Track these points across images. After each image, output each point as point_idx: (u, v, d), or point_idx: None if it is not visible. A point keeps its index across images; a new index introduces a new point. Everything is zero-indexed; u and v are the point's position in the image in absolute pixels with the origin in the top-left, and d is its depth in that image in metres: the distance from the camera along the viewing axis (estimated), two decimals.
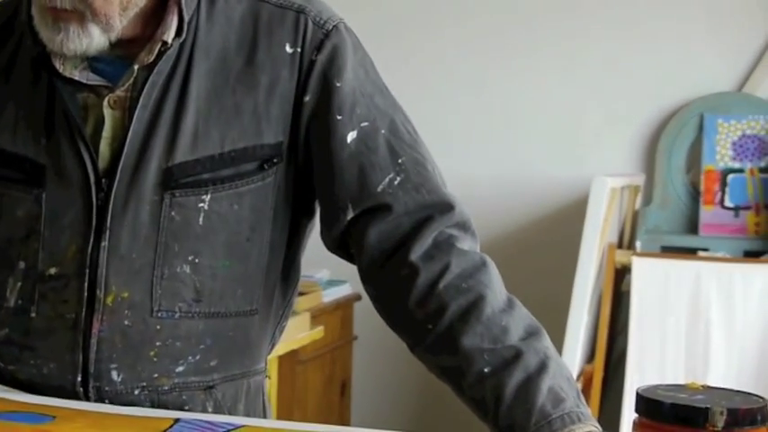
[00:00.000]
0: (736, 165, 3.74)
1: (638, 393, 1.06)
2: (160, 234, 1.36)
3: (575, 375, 2.77)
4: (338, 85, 1.39)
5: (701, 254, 3.62)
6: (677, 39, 3.90)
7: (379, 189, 1.37)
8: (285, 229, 1.45)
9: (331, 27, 1.41)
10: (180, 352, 1.39)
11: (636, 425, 1.06)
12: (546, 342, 1.29)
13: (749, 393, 1.08)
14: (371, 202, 1.37)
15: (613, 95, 3.97)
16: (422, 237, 1.34)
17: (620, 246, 3.67)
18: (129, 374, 1.38)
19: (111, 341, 1.37)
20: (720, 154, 3.75)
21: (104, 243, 1.36)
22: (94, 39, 1.33)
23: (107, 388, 1.38)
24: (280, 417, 3.15)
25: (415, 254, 1.33)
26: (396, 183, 1.37)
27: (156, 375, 1.39)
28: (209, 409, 1.41)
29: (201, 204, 1.37)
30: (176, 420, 1.27)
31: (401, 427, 3.71)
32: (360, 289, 1.42)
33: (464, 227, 1.38)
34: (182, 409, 1.38)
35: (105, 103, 1.38)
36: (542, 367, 1.24)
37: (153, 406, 1.38)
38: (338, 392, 3.99)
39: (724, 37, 3.86)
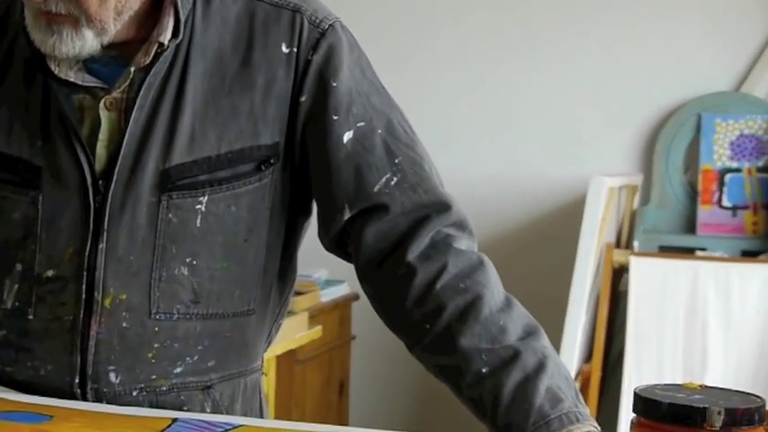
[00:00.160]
0: (734, 164, 3.74)
1: (635, 393, 1.06)
2: (158, 236, 1.36)
3: (572, 375, 2.77)
4: (334, 84, 1.38)
5: (699, 253, 3.62)
6: (675, 38, 3.90)
7: (376, 189, 1.37)
8: (282, 229, 1.44)
9: (327, 26, 1.41)
10: (178, 353, 1.39)
11: (634, 425, 1.06)
12: (544, 342, 1.29)
13: (747, 393, 1.08)
14: (368, 203, 1.37)
15: (611, 95, 3.97)
16: (419, 236, 1.34)
17: (617, 245, 3.67)
18: (128, 376, 1.38)
19: (110, 343, 1.37)
20: (718, 153, 3.76)
21: (102, 245, 1.36)
22: (87, 42, 1.32)
23: (105, 390, 1.37)
24: (278, 416, 3.15)
25: (413, 254, 1.33)
26: (392, 183, 1.37)
27: (154, 377, 1.38)
28: (208, 409, 1.41)
29: (199, 206, 1.37)
30: (174, 420, 1.27)
31: (399, 426, 3.71)
32: (358, 288, 1.42)
33: (461, 226, 1.38)
34: (180, 409, 1.38)
35: (101, 104, 1.37)
36: (540, 367, 1.24)
37: (151, 407, 1.38)
38: (336, 392, 3.99)
39: (721, 37, 3.86)
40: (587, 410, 1.25)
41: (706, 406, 1.01)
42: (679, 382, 1.11)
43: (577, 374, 3.33)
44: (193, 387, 1.41)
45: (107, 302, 1.36)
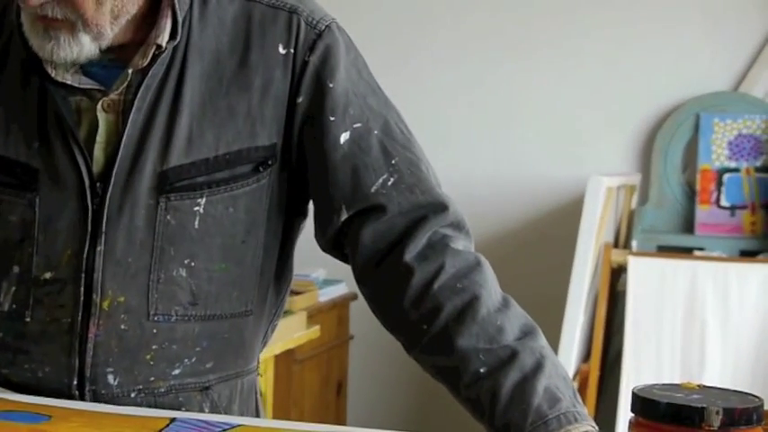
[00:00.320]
0: (732, 164, 3.74)
1: (634, 393, 1.06)
2: (156, 238, 1.36)
3: (570, 375, 2.77)
4: (331, 85, 1.38)
5: (697, 253, 3.62)
6: (673, 38, 3.90)
7: (373, 190, 1.37)
8: (279, 230, 1.44)
9: (323, 27, 1.40)
10: (176, 355, 1.39)
11: (632, 424, 1.06)
12: (542, 341, 1.29)
13: (745, 393, 1.08)
14: (365, 203, 1.37)
15: (609, 95, 3.98)
16: (416, 237, 1.34)
17: (616, 245, 3.67)
18: (126, 378, 1.38)
19: (108, 345, 1.37)
20: (716, 153, 3.76)
21: (100, 247, 1.36)
22: (85, 47, 1.32)
23: (103, 391, 1.37)
24: (276, 416, 3.16)
25: (410, 254, 1.33)
26: (389, 183, 1.37)
27: (152, 378, 1.38)
28: (206, 410, 1.41)
29: (197, 208, 1.37)
30: (172, 420, 1.27)
31: (397, 426, 3.71)
32: (356, 288, 1.42)
33: (458, 226, 1.38)
34: (178, 410, 1.38)
35: (99, 106, 1.37)
36: (538, 367, 1.24)
37: (150, 408, 1.37)
38: (334, 392, 3.99)
39: (720, 36, 3.86)
40: (585, 410, 1.25)
41: (704, 406, 1.01)
42: (677, 381, 1.11)
43: (575, 374, 3.33)
44: (192, 388, 1.41)
45: (105, 304, 1.36)
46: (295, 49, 1.39)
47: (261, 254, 1.42)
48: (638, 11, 3.93)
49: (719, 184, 3.74)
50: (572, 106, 4.01)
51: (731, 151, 3.75)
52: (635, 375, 3.32)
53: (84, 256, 1.36)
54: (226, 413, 1.42)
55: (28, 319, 1.39)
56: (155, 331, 1.37)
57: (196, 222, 1.37)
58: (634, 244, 3.72)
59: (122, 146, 1.35)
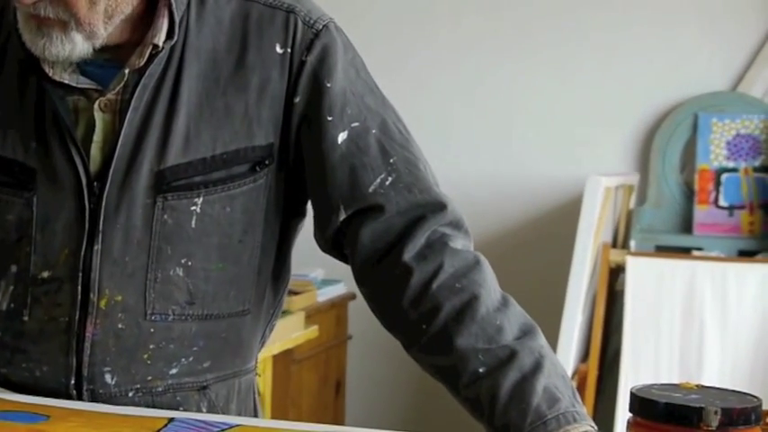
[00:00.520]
0: (731, 164, 3.74)
1: (632, 393, 1.06)
2: (153, 237, 1.36)
3: (569, 374, 2.77)
4: (328, 85, 1.38)
5: (696, 253, 3.62)
6: (671, 38, 3.90)
7: (371, 189, 1.37)
8: (276, 229, 1.44)
9: (321, 27, 1.40)
10: (173, 354, 1.39)
11: (630, 424, 1.06)
12: (541, 341, 1.29)
13: (743, 393, 1.08)
14: (363, 203, 1.37)
15: (608, 95, 3.98)
16: (414, 236, 1.34)
17: (614, 245, 3.67)
18: (123, 377, 1.38)
19: (105, 344, 1.37)
20: (714, 153, 3.76)
21: (97, 246, 1.36)
22: (77, 45, 1.32)
23: (101, 390, 1.37)
24: (274, 416, 3.16)
25: (409, 254, 1.33)
26: (387, 183, 1.37)
27: (149, 377, 1.38)
28: (204, 410, 1.41)
29: (194, 207, 1.37)
30: (171, 420, 1.27)
31: (396, 426, 3.71)
32: (354, 288, 1.42)
33: (457, 225, 1.38)
34: (176, 409, 1.38)
35: (96, 106, 1.37)
36: (537, 367, 1.24)
37: (147, 407, 1.37)
38: (333, 392, 3.99)
39: (718, 36, 3.86)
40: (584, 410, 1.25)
41: (702, 406, 1.01)
42: (676, 381, 1.12)
43: (574, 374, 3.33)
44: (189, 387, 1.40)
45: (102, 303, 1.36)
46: (292, 48, 1.39)
47: (258, 253, 1.42)
48: (637, 11, 3.93)
49: (718, 184, 3.74)
50: (570, 106, 4.01)
51: (729, 151, 3.75)
52: (633, 375, 3.32)
53: (82, 254, 1.36)
54: (223, 413, 1.42)
55: (26, 318, 1.39)
56: (152, 330, 1.37)
57: (193, 222, 1.37)
58: (632, 244, 3.72)
59: (119, 145, 1.35)
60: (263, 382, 3.01)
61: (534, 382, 1.23)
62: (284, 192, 1.43)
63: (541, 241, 3.99)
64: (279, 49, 1.39)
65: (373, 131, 1.39)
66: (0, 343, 1.41)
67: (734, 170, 3.74)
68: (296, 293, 3.43)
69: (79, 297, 1.36)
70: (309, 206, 1.47)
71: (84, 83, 1.37)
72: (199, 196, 1.37)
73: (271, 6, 1.40)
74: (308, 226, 1.49)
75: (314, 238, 1.43)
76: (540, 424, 1.21)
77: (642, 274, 3.38)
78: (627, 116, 3.96)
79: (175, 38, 1.36)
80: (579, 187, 3.46)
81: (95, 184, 1.36)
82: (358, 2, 4.12)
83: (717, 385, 1.13)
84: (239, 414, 1.46)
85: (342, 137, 1.38)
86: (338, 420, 3.99)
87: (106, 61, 1.37)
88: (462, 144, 4.10)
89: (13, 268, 1.40)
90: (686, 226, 3.80)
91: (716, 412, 1.01)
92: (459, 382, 1.27)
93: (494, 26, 4.07)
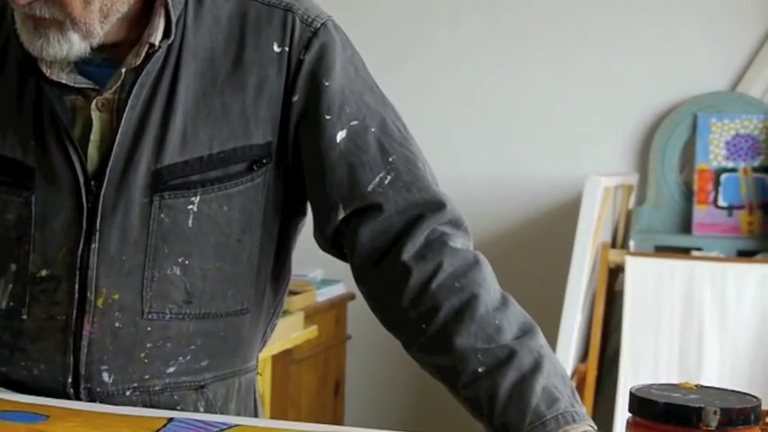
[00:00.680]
0: (730, 164, 3.74)
1: (631, 393, 1.06)
2: (150, 236, 1.36)
3: (568, 374, 2.77)
4: (327, 84, 1.38)
5: (695, 253, 3.62)
6: (670, 38, 3.90)
7: (370, 188, 1.37)
8: (275, 229, 1.44)
9: (319, 25, 1.40)
10: (171, 353, 1.39)
11: (629, 424, 1.06)
12: (540, 340, 1.29)
13: (742, 393, 1.08)
14: (362, 202, 1.37)
15: (607, 95, 3.98)
16: (414, 236, 1.34)
17: (613, 245, 3.67)
18: (120, 376, 1.38)
19: (102, 343, 1.37)
20: (714, 153, 3.76)
21: (94, 245, 1.36)
22: (74, 45, 1.32)
23: (98, 389, 1.37)
24: (273, 416, 3.16)
25: (408, 253, 1.33)
26: (386, 181, 1.37)
27: (147, 376, 1.38)
28: (201, 409, 1.41)
29: (191, 206, 1.37)
30: (170, 419, 1.27)
31: (395, 426, 3.71)
32: (354, 288, 1.42)
33: (456, 224, 1.37)
34: (174, 409, 1.38)
35: (93, 105, 1.37)
36: (536, 366, 1.24)
37: (145, 406, 1.37)
38: (332, 392, 3.99)
39: (717, 36, 3.87)
40: (584, 410, 1.25)
41: (702, 406, 1.01)
42: (675, 381, 1.12)
43: (573, 374, 3.33)
44: (187, 387, 1.40)
45: (100, 302, 1.36)
46: (290, 47, 1.38)
47: (257, 253, 1.42)
48: (636, 11, 3.93)
49: (717, 184, 3.74)
50: (570, 106, 4.01)
51: (729, 151, 3.75)
52: (632, 375, 3.32)
53: (79, 253, 1.36)
54: (222, 412, 1.42)
55: (24, 317, 1.39)
56: (149, 329, 1.37)
57: (190, 221, 1.37)
58: (631, 244, 3.72)
59: (116, 144, 1.35)
60: (262, 382, 3.01)
61: (533, 381, 1.23)
62: (283, 191, 1.42)
63: (541, 241, 3.99)
64: (277, 48, 1.38)
65: (372, 130, 1.39)
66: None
67: (733, 170, 3.74)
68: (295, 293, 3.43)
69: (76, 295, 1.36)
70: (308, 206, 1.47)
71: (81, 82, 1.37)
72: (196, 195, 1.37)
73: (268, 5, 1.40)
74: (307, 226, 1.49)
75: (313, 237, 1.43)
76: (539, 424, 1.21)
77: (641, 274, 3.38)
78: (626, 116, 3.96)
79: (172, 37, 1.36)
80: (578, 187, 3.46)
81: (93, 183, 1.36)
82: (358, 2, 4.12)
83: (716, 385, 1.13)
84: (239, 414, 1.46)
85: (340, 135, 1.38)
86: (337, 420, 3.99)
87: (103, 60, 1.38)
88: (462, 144, 4.10)
89: (12, 267, 1.40)
90: (685, 226, 3.80)
91: (715, 412, 1.01)
92: (459, 381, 1.27)
93: (493, 26, 4.07)
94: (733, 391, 1.09)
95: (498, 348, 1.26)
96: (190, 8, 1.38)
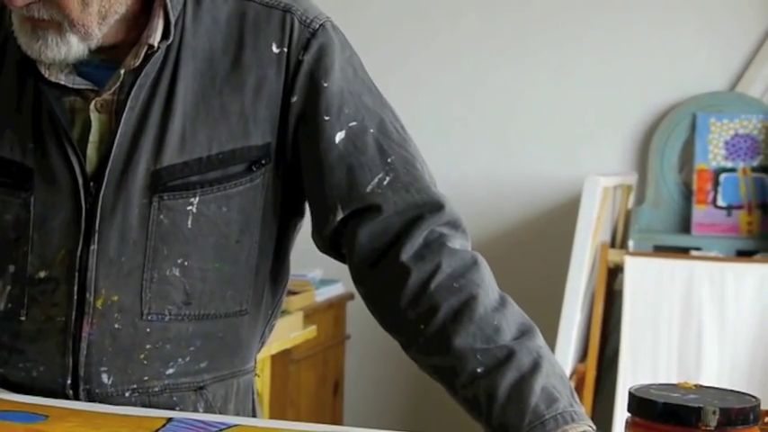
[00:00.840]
0: (729, 164, 3.74)
1: (630, 393, 1.06)
2: (149, 237, 1.36)
3: (567, 374, 2.77)
4: (325, 85, 1.38)
5: (694, 253, 3.62)
6: (670, 38, 3.90)
7: (369, 189, 1.36)
8: (274, 230, 1.44)
9: (318, 26, 1.40)
10: (170, 354, 1.39)
11: (628, 424, 1.06)
12: (539, 341, 1.29)
13: (742, 393, 1.08)
14: (361, 203, 1.37)
15: (606, 95, 3.98)
16: (412, 236, 1.34)
17: (612, 245, 3.67)
18: (120, 377, 1.37)
19: (101, 344, 1.37)
20: (713, 153, 3.76)
21: (93, 246, 1.36)
22: (73, 47, 1.32)
23: (97, 390, 1.37)
24: (272, 416, 3.16)
25: (406, 254, 1.33)
26: (385, 182, 1.37)
27: (146, 378, 1.38)
28: (200, 410, 1.41)
29: (190, 207, 1.37)
30: (169, 419, 1.27)
31: (394, 426, 3.71)
32: (353, 288, 1.42)
33: (455, 225, 1.37)
34: (173, 410, 1.38)
35: (92, 106, 1.37)
36: (535, 367, 1.24)
37: (144, 407, 1.37)
38: (331, 392, 3.99)
39: (716, 36, 3.87)
40: (583, 410, 1.25)
41: (701, 406, 1.01)
42: (674, 381, 1.12)
43: (572, 374, 3.33)
44: (186, 388, 1.40)
45: (99, 303, 1.36)
46: (289, 48, 1.38)
47: (256, 254, 1.42)
48: (635, 11, 3.93)
49: (716, 183, 3.74)
50: (569, 106, 4.01)
51: (728, 151, 3.75)
52: (632, 375, 3.32)
53: (78, 254, 1.36)
54: (221, 413, 1.42)
55: (23, 318, 1.39)
56: (148, 330, 1.37)
57: (189, 222, 1.37)
58: (631, 244, 3.72)
59: (115, 145, 1.35)
60: (261, 382, 3.01)
61: (532, 381, 1.23)
62: (282, 191, 1.42)
63: (540, 241, 3.99)
64: (275, 49, 1.38)
65: (371, 131, 1.39)
66: None
67: (732, 170, 3.74)
68: (294, 293, 3.43)
69: (75, 297, 1.36)
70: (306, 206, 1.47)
71: (80, 83, 1.37)
72: (195, 196, 1.37)
73: (267, 6, 1.40)
74: (306, 226, 1.49)
75: (312, 238, 1.43)
76: (538, 424, 1.21)
77: (640, 273, 3.38)
78: (625, 116, 3.96)
79: (171, 38, 1.36)
80: (578, 187, 3.45)
81: (92, 184, 1.36)
82: (358, 2, 4.12)
83: (715, 385, 1.13)
84: (238, 414, 1.46)
85: (339, 136, 1.37)
86: (336, 420, 3.99)
87: (102, 62, 1.37)
88: (461, 144, 4.10)
89: (11, 268, 1.40)
90: (684, 226, 3.80)
91: (714, 412, 1.01)
92: (457, 382, 1.27)
93: (493, 26, 4.07)
94: (732, 390, 1.09)
95: (497, 349, 1.26)
96: (188, 9, 1.38)
